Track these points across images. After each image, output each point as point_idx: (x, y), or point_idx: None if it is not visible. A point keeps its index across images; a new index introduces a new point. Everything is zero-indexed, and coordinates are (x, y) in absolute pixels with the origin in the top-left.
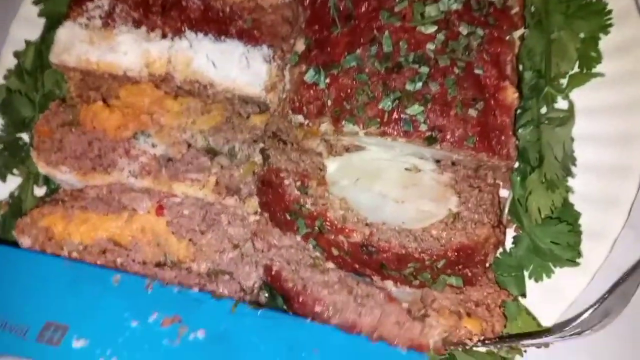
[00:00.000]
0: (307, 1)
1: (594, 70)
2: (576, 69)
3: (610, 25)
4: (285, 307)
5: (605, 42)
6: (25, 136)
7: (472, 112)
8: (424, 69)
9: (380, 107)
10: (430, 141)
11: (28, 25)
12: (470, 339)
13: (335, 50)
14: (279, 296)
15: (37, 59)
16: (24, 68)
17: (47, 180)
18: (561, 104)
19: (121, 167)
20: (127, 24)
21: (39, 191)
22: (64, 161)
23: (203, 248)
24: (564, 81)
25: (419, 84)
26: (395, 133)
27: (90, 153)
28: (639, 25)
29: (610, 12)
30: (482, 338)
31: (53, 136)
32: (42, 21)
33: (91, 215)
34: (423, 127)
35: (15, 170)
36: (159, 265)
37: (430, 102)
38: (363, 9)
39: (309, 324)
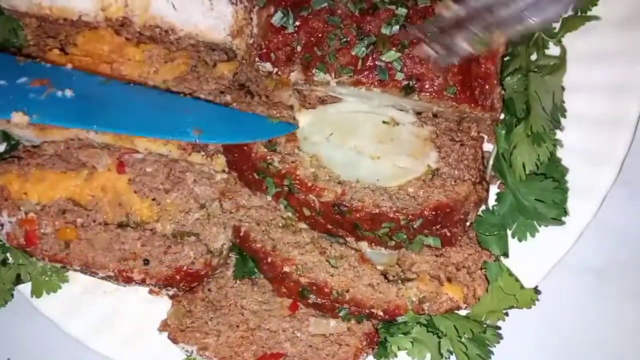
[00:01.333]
0: None
1: (589, 14)
2: (570, 12)
3: None
4: (256, 269)
5: None
6: None
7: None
8: (402, 11)
9: (353, 53)
10: (407, 91)
11: None
12: (452, 309)
13: None
14: (249, 258)
15: None
16: None
17: (6, 136)
18: (553, 50)
19: None
20: None
21: None
22: None
23: (167, 208)
24: (556, 25)
25: (396, 27)
26: (370, 82)
27: None
28: None
29: None
30: (463, 306)
31: None
32: None
33: (48, 174)
34: (399, 76)
35: None
36: (121, 225)
37: (408, 48)
38: None
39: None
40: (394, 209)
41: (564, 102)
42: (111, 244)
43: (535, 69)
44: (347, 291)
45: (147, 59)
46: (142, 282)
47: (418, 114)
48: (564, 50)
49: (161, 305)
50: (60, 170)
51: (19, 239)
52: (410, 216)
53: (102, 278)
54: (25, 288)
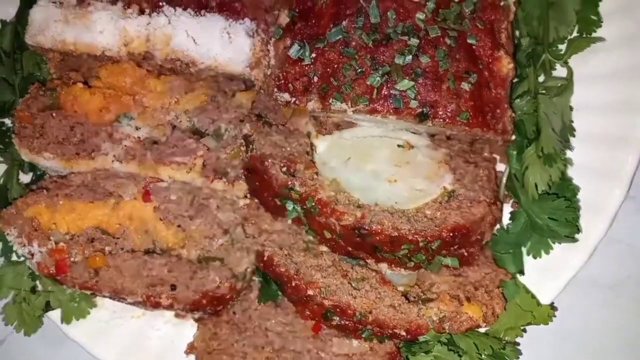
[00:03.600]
0: None
1: (594, 35)
2: (575, 34)
3: None
4: (279, 292)
5: (605, 4)
6: (8, 121)
7: (465, 86)
8: (414, 41)
9: (368, 82)
10: (421, 118)
11: (1, 5)
12: (471, 327)
13: (321, 22)
14: (272, 281)
15: (14, 39)
16: (2, 49)
17: (32, 166)
18: (559, 71)
19: (105, 151)
20: (103, 0)
21: (25, 178)
22: (46, 147)
23: (192, 234)
24: (562, 47)
25: (409, 57)
26: (385, 110)
27: (72, 138)
28: None
29: None
30: (483, 325)
31: (34, 122)
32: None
33: (77, 204)
34: (414, 104)
35: None
36: (148, 252)
37: (421, 77)
38: None
39: None
40: (413, 231)
41: (572, 121)
42: (139, 270)
43: (544, 91)
44: (370, 312)
45: (168, 90)
46: (170, 307)
47: (431, 136)
48: (570, 72)
49: (187, 328)
50: (88, 200)
51: (49, 268)
52: (428, 238)
53: (131, 304)
54: (54, 314)
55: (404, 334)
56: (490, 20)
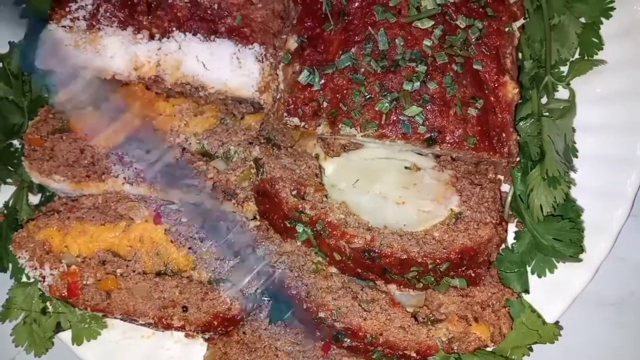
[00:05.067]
0: None
1: (595, 57)
2: (577, 56)
3: (612, 9)
4: (289, 312)
5: (606, 27)
6: (16, 142)
7: (472, 111)
8: (421, 68)
9: (377, 108)
10: (429, 143)
11: (9, 26)
12: (479, 347)
13: (329, 49)
14: (282, 302)
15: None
16: (10, 71)
17: (41, 188)
18: (562, 92)
19: (115, 174)
20: (113, 25)
21: (34, 199)
22: (57, 170)
23: (203, 256)
24: (564, 69)
25: (417, 84)
26: (394, 136)
27: (83, 160)
28: None
29: None
30: (491, 345)
31: (44, 144)
32: (24, 21)
33: (88, 226)
34: (422, 129)
35: (8, 179)
36: (159, 274)
37: (429, 103)
38: (357, 4)
39: None
40: (422, 254)
41: (575, 142)
42: (150, 292)
43: (547, 113)
44: (381, 334)
45: (177, 113)
46: (181, 329)
47: (437, 157)
48: (572, 94)
49: (197, 348)
50: (99, 222)
51: (61, 291)
52: (437, 260)
53: (142, 325)
54: (64, 335)
55: (414, 355)
56: (496, 45)
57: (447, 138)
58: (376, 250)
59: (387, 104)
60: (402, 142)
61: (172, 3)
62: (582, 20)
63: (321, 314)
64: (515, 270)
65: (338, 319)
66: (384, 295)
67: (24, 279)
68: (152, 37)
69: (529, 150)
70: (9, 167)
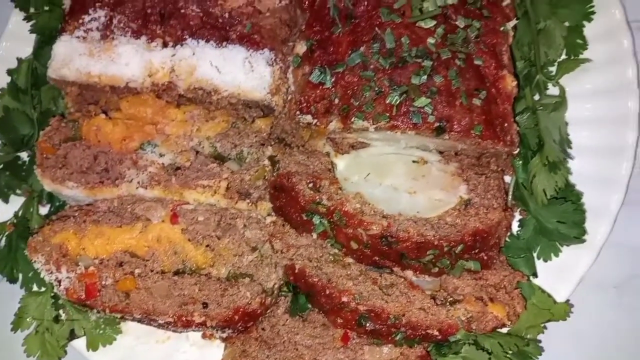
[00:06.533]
0: (306, 3)
1: (581, 57)
2: (564, 56)
3: (593, 12)
4: (309, 304)
5: (589, 29)
6: (24, 155)
7: (476, 102)
8: (427, 63)
9: (387, 101)
10: (438, 131)
11: (18, 42)
12: (497, 326)
13: (339, 50)
14: (301, 296)
15: (30, 76)
16: (18, 86)
17: (50, 198)
18: (553, 90)
19: (129, 178)
20: (127, 34)
21: (43, 210)
22: (70, 177)
23: (221, 253)
24: (553, 69)
25: (424, 77)
26: (405, 126)
27: (96, 167)
28: (621, 10)
29: (592, 0)
30: (508, 323)
31: (56, 152)
32: (32, 37)
33: (105, 229)
34: (431, 119)
35: (18, 190)
36: (177, 273)
37: (436, 94)
38: (362, 7)
39: None
40: (438, 237)
41: (568, 134)
42: (169, 290)
43: (541, 107)
44: (403, 315)
45: (189, 119)
46: (202, 325)
47: (440, 153)
48: (563, 90)
49: (214, 350)
50: (116, 225)
51: (78, 293)
52: (452, 243)
53: (161, 325)
54: (77, 343)
55: (436, 333)
56: (493, 43)
57: (455, 126)
58: (393, 236)
59: (397, 97)
60: (412, 133)
61: (184, 13)
62: (567, 24)
63: (344, 299)
64: (522, 256)
65: (361, 302)
66: (402, 280)
67: (35, 289)
68: (165, 45)
69: (528, 141)
70: (16, 180)
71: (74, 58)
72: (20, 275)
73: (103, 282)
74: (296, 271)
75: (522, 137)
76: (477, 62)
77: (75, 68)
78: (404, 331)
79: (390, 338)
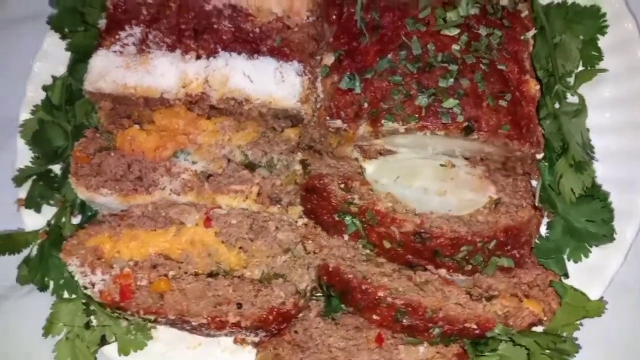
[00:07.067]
0: (334, 17)
1: (597, 67)
2: (581, 67)
3: (606, 26)
4: (342, 306)
5: (604, 41)
6: (56, 168)
7: (503, 103)
8: (453, 67)
9: (417, 103)
10: (467, 131)
11: (51, 62)
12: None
13: (367, 58)
14: (334, 299)
15: (65, 93)
16: (52, 102)
17: (82, 209)
18: (572, 99)
19: (162, 186)
20: (162, 48)
21: (74, 220)
22: (104, 184)
23: (254, 254)
24: (570, 79)
25: (451, 80)
26: (434, 126)
27: (130, 175)
28: (633, 23)
29: (604, 14)
30: (544, 318)
31: (91, 161)
32: (65, 58)
33: (139, 232)
34: (460, 118)
35: (51, 200)
36: (211, 275)
37: (464, 96)
38: (389, 18)
39: None
40: (471, 233)
41: (590, 140)
42: (204, 292)
43: (563, 115)
44: (440, 309)
45: (220, 129)
46: (236, 326)
47: (466, 159)
48: (582, 99)
49: (245, 356)
50: (150, 228)
51: (112, 295)
52: (485, 238)
53: (193, 328)
54: (107, 349)
55: (474, 327)
56: (514, 50)
57: (483, 126)
58: (427, 232)
59: (425, 99)
60: (442, 134)
61: (217, 28)
62: (581, 37)
63: (380, 294)
64: (552, 257)
65: (397, 297)
66: (436, 277)
67: (66, 296)
68: (199, 57)
69: (552, 145)
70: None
71: (111, 70)
72: (52, 283)
73: (138, 282)
74: (330, 269)
75: (546, 141)
76: (500, 67)
77: (112, 80)
78: (441, 325)
79: (427, 334)
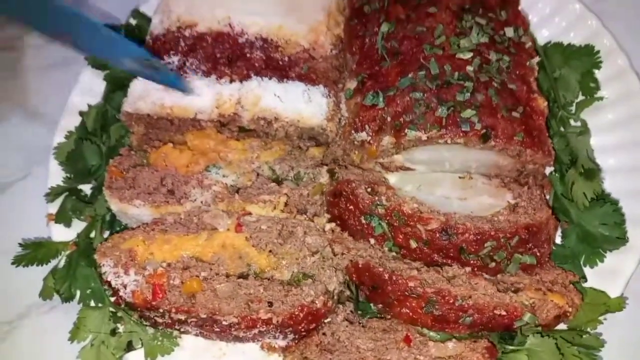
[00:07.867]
0: (356, 46)
1: (595, 95)
2: (581, 97)
3: (601, 62)
4: (371, 306)
5: (600, 73)
6: (85, 188)
7: (516, 114)
8: (469, 84)
9: (437, 114)
10: (485, 138)
11: (86, 94)
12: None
13: (389, 78)
14: (362, 302)
15: (100, 119)
16: (87, 128)
17: (111, 226)
18: (575, 124)
19: (193, 198)
20: (198, 74)
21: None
22: (137, 196)
23: (284, 257)
24: (571, 108)
25: (467, 95)
26: (455, 134)
27: (162, 188)
28: (623, 58)
29: (598, 52)
30: (569, 310)
31: (125, 175)
32: (99, 90)
33: (172, 237)
34: (478, 126)
35: (82, 215)
36: (242, 276)
37: (480, 107)
38: (408, 46)
39: None
40: (494, 229)
41: (595, 159)
42: (235, 291)
43: (569, 133)
44: (470, 297)
45: (249, 148)
46: (267, 324)
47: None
48: (584, 122)
49: None
50: (183, 233)
51: (145, 295)
52: (508, 234)
53: (223, 329)
54: (132, 356)
55: (504, 314)
56: (522, 74)
57: (499, 133)
58: (453, 228)
59: (445, 110)
60: (461, 141)
61: (249, 57)
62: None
63: (411, 284)
64: (569, 262)
65: (428, 286)
66: (463, 271)
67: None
68: (232, 81)
69: (562, 159)
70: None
71: (150, 92)
72: (78, 292)
73: (171, 281)
74: (360, 266)
75: (556, 155)
76: (510, 86)
77: (151, 101)
78: (471, 314)
79: (457, 324)
